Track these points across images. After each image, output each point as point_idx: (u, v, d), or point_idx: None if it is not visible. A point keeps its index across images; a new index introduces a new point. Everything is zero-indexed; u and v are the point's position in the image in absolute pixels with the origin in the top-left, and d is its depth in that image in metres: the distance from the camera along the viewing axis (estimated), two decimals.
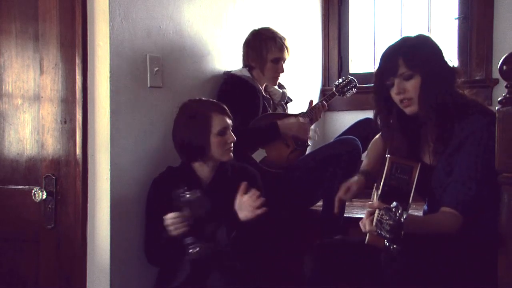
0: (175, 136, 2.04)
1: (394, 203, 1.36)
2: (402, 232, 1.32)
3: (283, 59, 2.55)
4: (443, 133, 1.67)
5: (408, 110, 1.71)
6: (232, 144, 2.03)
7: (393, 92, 1.71)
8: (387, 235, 1.33)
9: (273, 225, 2.16)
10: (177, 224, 1.79)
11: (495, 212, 1.55)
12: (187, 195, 1.79)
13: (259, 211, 1.82)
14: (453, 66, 1.72)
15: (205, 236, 1.87)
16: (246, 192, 1.87)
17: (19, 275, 2.09)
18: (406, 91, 1.68)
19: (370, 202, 1.62)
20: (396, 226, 1.32)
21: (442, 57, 1.71)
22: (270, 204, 2.11)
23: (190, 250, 1.79)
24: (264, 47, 2.51)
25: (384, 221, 1.34)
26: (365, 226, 1.50)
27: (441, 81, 1.66)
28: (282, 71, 2.57)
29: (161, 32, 2.16)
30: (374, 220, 1.41)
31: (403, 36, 1.79)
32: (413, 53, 1.67)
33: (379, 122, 1.85)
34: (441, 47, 1.72)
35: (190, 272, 1.91)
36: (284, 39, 2.55)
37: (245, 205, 1.85)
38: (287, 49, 2.55)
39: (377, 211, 1.41)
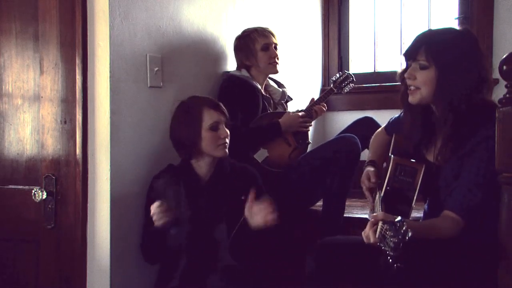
0: (171, 132, 2.05)
1: (399, 218, 1.32)
2: (406, 250, 1.29)
3: (272, 44, 2.56)
4: (455, 135, 1.65)
5: (410, 98, 1.71)
6: (226, 140, 2.01)
7: (406, 75, 1.71)
8: (391, 253, 1.30)
9: (274, 225, 2.16)
10: (160, 214, 1.78)
11: (496, 215, 1.55)
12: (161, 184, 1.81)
13: (271, 219, 1.76)
14: (486, 71, 1.67)
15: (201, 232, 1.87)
16: (256, 199, 1.81)
17: (19, 275, 2.09)
18: (415, 79, 1.67)
19: (374, 214, 1.58)
20: (400, 245, 1.29)
21: (474, 59, 1.65)
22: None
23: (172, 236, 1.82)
24: (250, 41, 2.53)
25: (388, 237, 1.31)
26: (368, 238, 1.45)
27: (462, 82, 1.62)
28: (276, 55, 2.57)
29: (161, 32, 2.16)
30: (377, 233, 1.38)
31: (447, 26, 1.78)
32: (437, 46, 1.65)
33: (401, 103, 1.81)
34: (479, 50, 1.68)
35: (190, 272, 1.91)
36: (266, 27, 2.58)
37: (257, 212, 1.79)
38: (272, 34, 2.57)
39: (380, 223, 1.38)
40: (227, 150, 2.02)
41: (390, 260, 1.32)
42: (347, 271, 1.76)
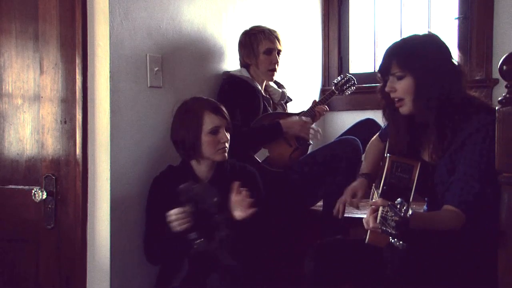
0: (171, 132, 2.05)
1: (399, 200, 1.36)
2: (408, 228, 1.32)
3: (275, 50, 2.54)
4: (443, 133, 1.67)
5: (401, 110, 1.74)
6: (225, 144, 2.01)
7: (386, 89, 1.74)
8: (393, 232, 1.33)
9: (274, 224, 2.16)
10: (181, 219, 1.79)
11: (497, 210, 1.55)
12: (194, 188, 1.81)
13: (250, 211, 1.81)
14: (459, 65, 1.72)
15: (211, 230, 1.88)
16: (239, 191, 1.85)
17: (19, 275, 2.09)
18: (396, 90, 1.71)
19: (373, 200, 1.61)
20: (402, 222, 1.31)
21: (445, 57, 1.71)
22: (271, 204, 2.11)
23: (195, 245, 1.81)
24: (254, 41, 2.52)
25: (389, 218, 1.33)
26: (368, 223, 1.48)
27: (439, 82, 1.65)
28: (276, 62, 2.56)
29: (161, 32, 2.16)
30: (378, 217, 1.40)
31: (405, 36, 1.82)
32: (407, 54, 1.70)
33: (384, 117, 1.85)
34: (446, 47, 1.72)
35: (190, 272, 1.91)
36: (274, 31, 2.56)
37: (237, 204, 1.84)
38: (278, 40, 2.55)
39: (380, 208, 1.40)
40: (226, 154, 2.03)
41: (392, 240, 1.34)
42: (347, 271, 1.76)
